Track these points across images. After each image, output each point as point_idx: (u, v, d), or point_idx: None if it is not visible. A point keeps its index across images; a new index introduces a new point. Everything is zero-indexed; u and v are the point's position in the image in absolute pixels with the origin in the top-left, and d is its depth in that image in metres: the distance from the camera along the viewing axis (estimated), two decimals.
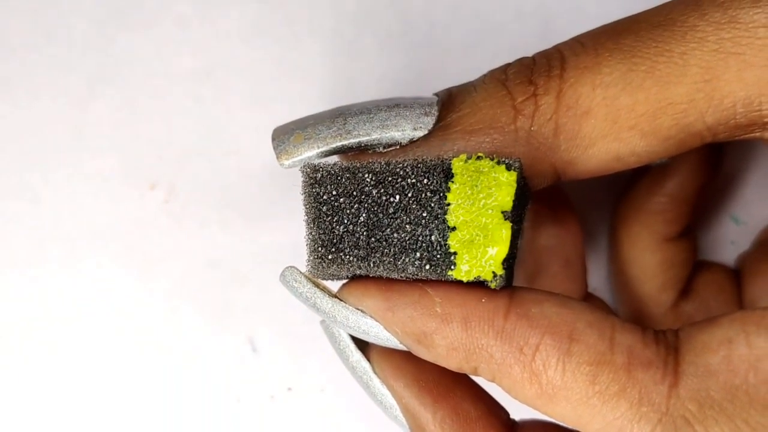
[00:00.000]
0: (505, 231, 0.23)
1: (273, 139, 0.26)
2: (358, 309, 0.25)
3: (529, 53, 0.25)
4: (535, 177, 0.25)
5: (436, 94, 0.25)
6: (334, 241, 0.24)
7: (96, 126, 0.34)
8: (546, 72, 0.24)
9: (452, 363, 0.24)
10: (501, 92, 0.24)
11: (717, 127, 0.23)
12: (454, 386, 0.26)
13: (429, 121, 0.25)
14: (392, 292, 0.24)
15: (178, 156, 0.34)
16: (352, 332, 0.26)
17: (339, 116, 0.25)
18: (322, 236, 0.24)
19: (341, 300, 0.25)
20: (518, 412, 0.27)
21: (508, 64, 0.25)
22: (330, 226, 0.24)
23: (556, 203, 0.32)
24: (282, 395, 0.35)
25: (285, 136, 0.26)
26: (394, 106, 0.25)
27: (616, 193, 0.34)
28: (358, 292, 0.25)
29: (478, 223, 0.23)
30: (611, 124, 0.24)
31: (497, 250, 0.23)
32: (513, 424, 0.27)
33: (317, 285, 0.26)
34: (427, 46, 0.34)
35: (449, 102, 0.25)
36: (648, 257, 0.32)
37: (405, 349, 0.25)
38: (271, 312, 0.35)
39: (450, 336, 0.24)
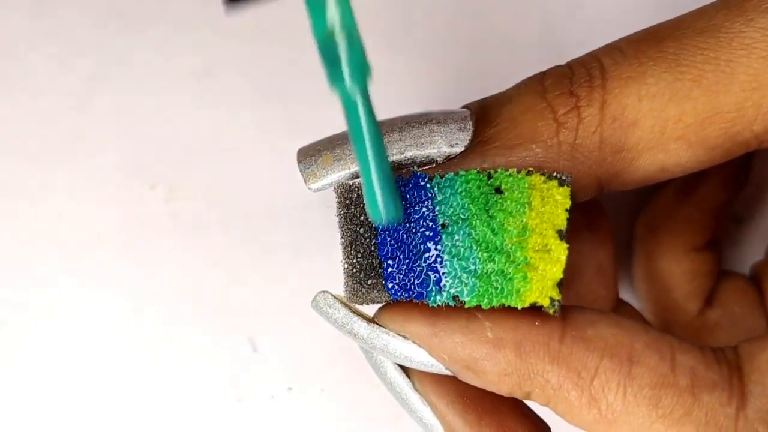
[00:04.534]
0: (561, 252, 0.22)
1: (299, 162, 0.24)
2: (399, 335, 0.23)
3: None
4: (579, 191, 0.23)
5: (466, 107, 0.24)
6: (374, 264, 0.23)
7: (96, 126, 0.34)
8: (587, 82, 0.23)
9: (503, 388, 0.23)
10: (540, 104, 0.23)
11: (764, 135, 0.23)
12: (499, 403, 0.25)
13: (465, 137, 0.23)
14: (438, 317, 0.23)
15: (178, 156, 0.34)
16: (393, 359, 0.24)
17: None
18: (361, 260, 0.23)
19: (380, 325, 0.24)
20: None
21: (543, 74, 0.24)
22: (369, 249, 0.23)
23: (589, 208, 0.31)
24: (282, 395, 0.35)
25: (312, 158, 0.24)
26: (426, 122, 0.23)
27: (637, 200, 0.33)
28: (399, 318, 0.23)
29: (532, 244, 0.22)
30: (658, 135, 0.23)
31: (554, 272, 0.22)
32: None
33: (352, 310, 0.24)
34: (428, 46, 0.34)
35: (483, 115, 0.24)
36: (674, 267, 0.31)
37: (450, 374, 0.24)
38: (271, 312, 0.35)
39: (502, 362, 0.23)
